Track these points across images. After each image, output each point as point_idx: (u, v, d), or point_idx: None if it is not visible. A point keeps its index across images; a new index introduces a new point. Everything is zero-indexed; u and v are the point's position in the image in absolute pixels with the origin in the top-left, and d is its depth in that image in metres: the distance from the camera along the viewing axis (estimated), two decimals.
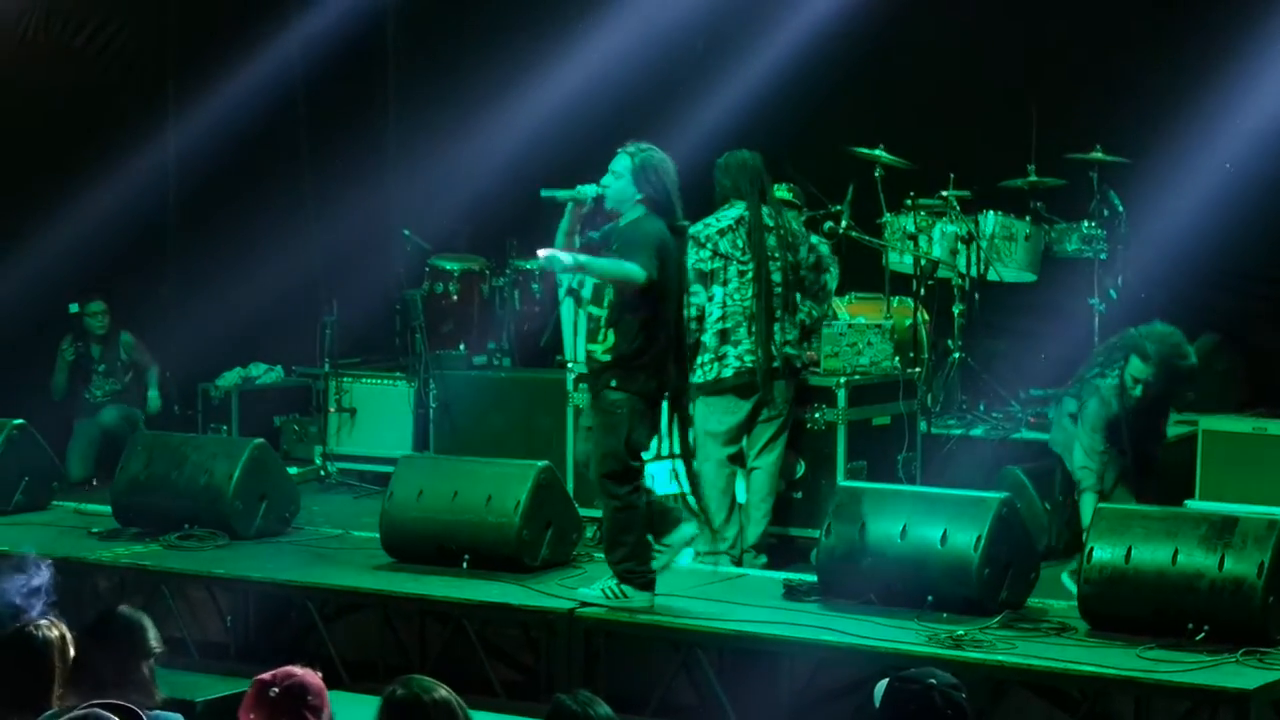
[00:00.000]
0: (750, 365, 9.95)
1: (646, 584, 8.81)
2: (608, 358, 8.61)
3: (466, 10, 14.53)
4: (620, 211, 8.73)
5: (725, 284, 9.99)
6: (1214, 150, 12.09)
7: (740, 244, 9.99)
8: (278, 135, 14.75)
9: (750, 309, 9.96)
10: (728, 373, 9.96)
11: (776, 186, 10.94)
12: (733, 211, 10.09)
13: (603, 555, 9.97)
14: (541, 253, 8.63)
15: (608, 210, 8.79)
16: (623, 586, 8.80)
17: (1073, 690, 7.84)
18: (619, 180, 8.69)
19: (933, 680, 5.41)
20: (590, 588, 8.94)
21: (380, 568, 9.77)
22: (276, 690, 5.39)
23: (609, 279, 8.52)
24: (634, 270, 8.43)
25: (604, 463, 8.70)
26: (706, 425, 10.02)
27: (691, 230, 9.82)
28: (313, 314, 13.42)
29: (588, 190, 8.71)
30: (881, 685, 5.58)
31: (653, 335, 8.59)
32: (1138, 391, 9.67)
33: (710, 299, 9.99)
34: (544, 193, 8.82)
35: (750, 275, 9.97)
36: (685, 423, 8.98)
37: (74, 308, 13.30)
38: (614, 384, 8.61)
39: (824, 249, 11.21)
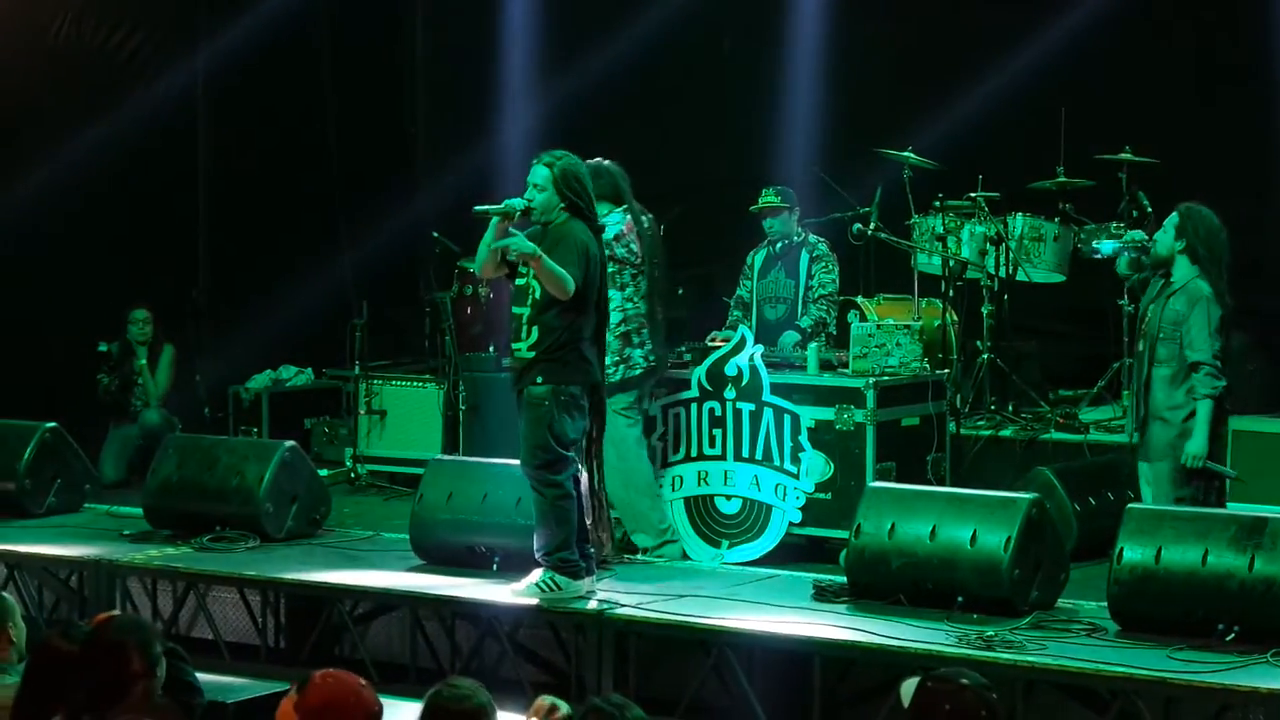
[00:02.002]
0: (652, 364, 10.20)
1: (580, 573, 8.95)
2: (532, 354, 8.87)
3: (490, 10, 14.54)
4: (547, 220, 8.96)
5: (623, 288, 10.15)
6: (1241, 149, 12.08)
7: (634, 248, 10.14)
8: (308, 139, 14.80)
9: (643, 310, 10.18)
10: (635, 372, 10.15)
11: (764, 191, 11.19)
12: (616, 217, 10.19)
13: (631, 556, 10.05)
14: (508, 242, 8.78)
15: (534, 221, 9.01)
16: (557, 578, 8.91)
17: (1103, 691, 7.84)
18: (542, 192, 8.94)
19: (965, 681, 5.41)
20: (523, 585, 9.01)
21: (411, 569, 9.79)
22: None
23: (548, 281, 8.72)
24: (568, 281, 8.70)
25: (534, 455, 8.87)
26: (623, 426, 10.14)
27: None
28: (342, 317, 13.44)
29: (515, 204, 8.96)
30: (909, 684, 5.59)
31: (576, 330, 8.83)
32: (1153, 241, 9.21)
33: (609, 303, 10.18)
34: (476, 210, 9.06)
35: (644, 277, 10.15)
36: (602, 421, 9.13)
37: (103, 347, 13.35)
38: (539, 379, 8.84)
39: (822, 248, 11.27)
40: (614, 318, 10.03)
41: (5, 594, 7.16)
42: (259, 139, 14.57)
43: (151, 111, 13.96)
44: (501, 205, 8.97)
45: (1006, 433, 11.34)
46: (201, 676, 6.74)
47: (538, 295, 8.85)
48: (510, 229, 8.98)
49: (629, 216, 10.16)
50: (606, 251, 9.98)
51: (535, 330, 8.86)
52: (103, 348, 13.35)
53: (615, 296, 10.05)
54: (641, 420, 10.28)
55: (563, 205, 8.93)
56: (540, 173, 8.96)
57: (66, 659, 6.17)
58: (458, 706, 5.49)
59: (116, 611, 6.59)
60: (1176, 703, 7.66)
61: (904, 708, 5.54)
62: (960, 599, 8.54)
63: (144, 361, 13.42)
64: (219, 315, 14.50)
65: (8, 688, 6.55)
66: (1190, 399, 8.96)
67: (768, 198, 11.28)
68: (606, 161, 10.30)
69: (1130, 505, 8.74)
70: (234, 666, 9.33)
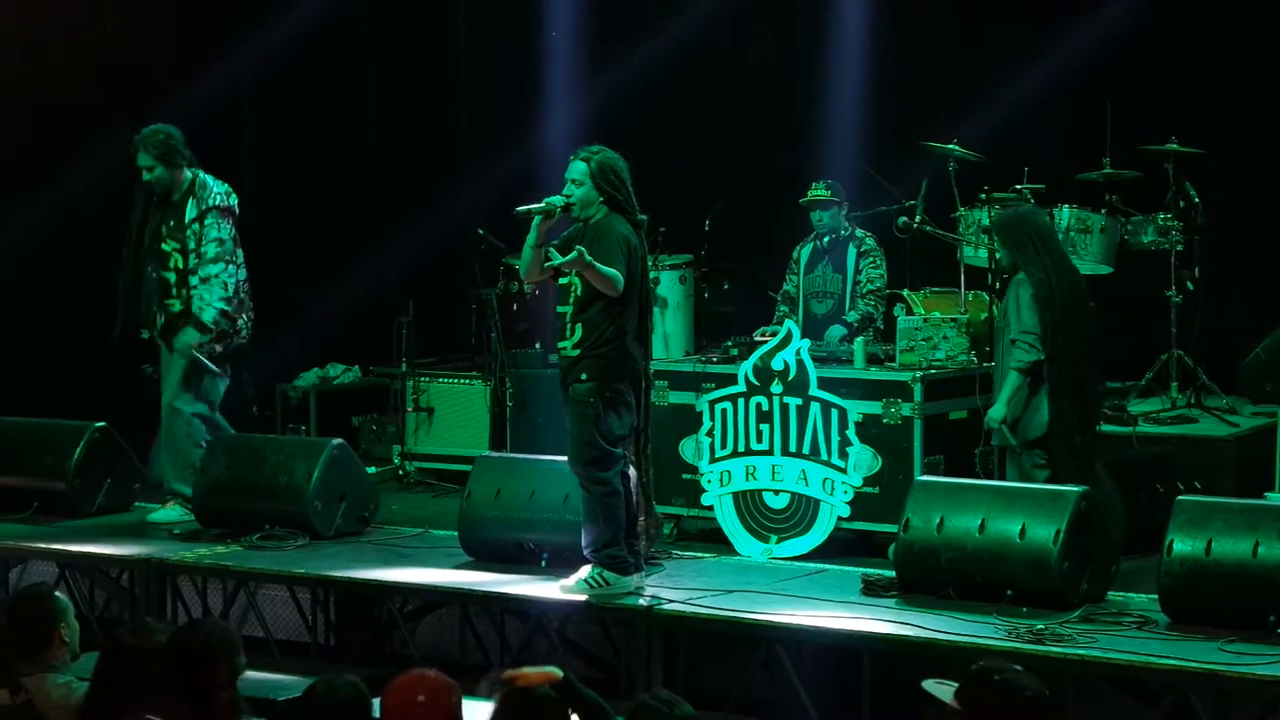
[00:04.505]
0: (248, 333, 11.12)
1: (629, 569, 8.98)
2: (576, 352, 8.91)
3: (534, 4, 14.53)
4: (586, 216, 8.99)
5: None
6: None
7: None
8: (351, 136, 14.83)
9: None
10: (242, 340, 11.03)
11: (814, 184, 11.30)
12: (210, 179, 11.01)
13: (679, 552, 10.06)
14: (557, 262, 8.91)
15: (573, 217, 9.05)
16: (606, 574, 8.93)
17: (1154, 684, 7.82)
18: (581, 187, 8.98)
19: (1012, 674, 5.40)
20: (572, 581, 9.02)
21: (460, 566, 9.82)
22: (423, 697, 5.49)
23: (599, 283, 8.77)
24: (617, 280, 8.75)
25: (582, 452, 8.90)
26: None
27: (226, 201, 10.92)
28: (389, 314, 13.47)
29: (555, 201, 9.01)
30: (933, 684, 5.58)
31: (620, 326, 8.86)
32: None
33: (240, 266, 10.97)
34: (517, 210, 9.12)
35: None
36: (649, 415, 9.22)
37: (145, 334, 13.39)
38: (584, 376, 8.87)
39: (870, 242, 11.29)
40: (240, 279, 10.92)
41: (59, 594, 7.20)
42: (302, 137, 14.59)
43: (194, 110, 13.97)
44: (542, 204, 8.99)
45: None
46: (252, 674, 6.77)
47: (579, 293, 8.89)
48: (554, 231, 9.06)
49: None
50: (218, 223, 10.86)
51: (579, 328, 8.89)
52: (145, 335, 13.38)
53: (240, 256, 10.93)
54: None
55: (601, 199, 8.96)
56: (578, 168, 8.99)
57: (138, 656, 6.22)
58: (532, 699, 5.55)
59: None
60: (1228, 695, 7.63)
61: (944, 705, 5.53)
62: (1010, 592, 8.53)
63: None
64: (265, 314, 14.51)
65: (61, 687, 6.61)
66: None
67: (817, 190, 11.34)
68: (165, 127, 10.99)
69: (1180, 497, 8.72)
70: (284, 665, 9.36)
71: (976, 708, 5.35)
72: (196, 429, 10.96)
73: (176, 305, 10.91)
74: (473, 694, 5.83)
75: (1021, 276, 9.56)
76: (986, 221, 11.59)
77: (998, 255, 9.99)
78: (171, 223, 10.92)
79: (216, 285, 10.83)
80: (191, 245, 10.85)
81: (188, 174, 10.94)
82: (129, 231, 11.10)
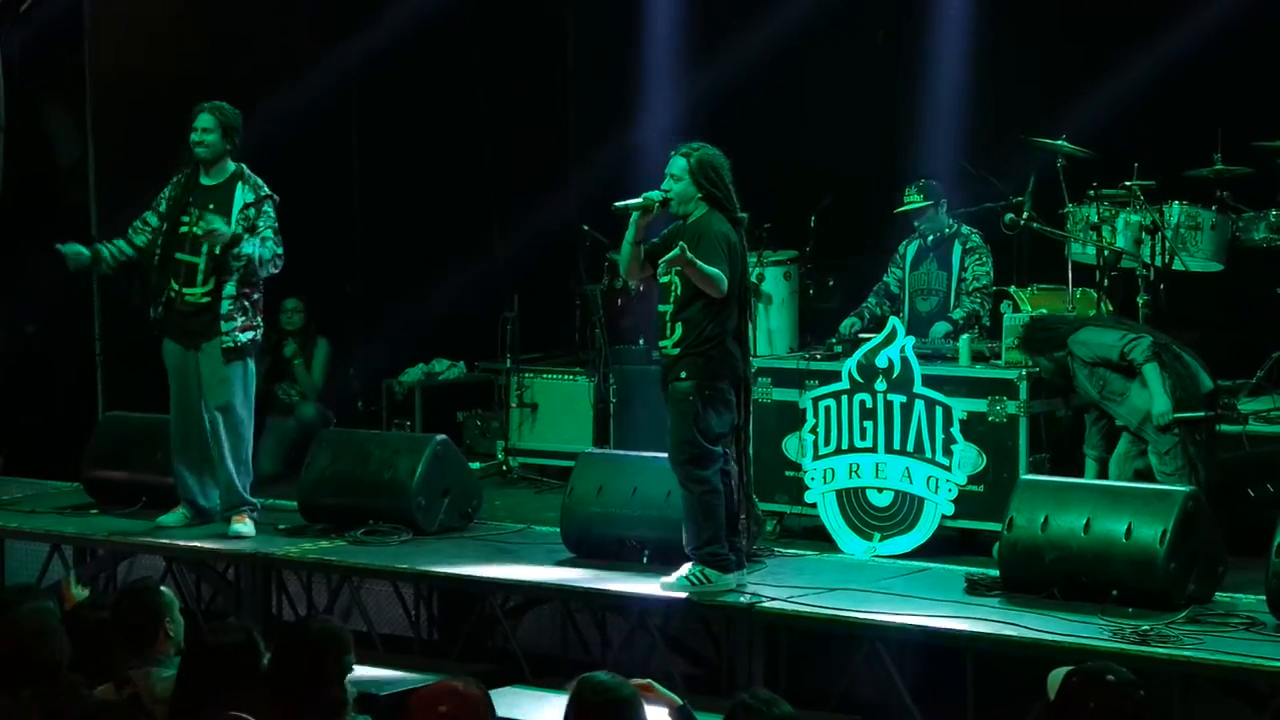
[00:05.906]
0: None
1: (730, 566, 8.96)
2: (676, 350, 8.89)
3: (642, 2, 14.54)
4: (685, 212, 8.97)
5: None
6: None
7: None
8: (459, 132, 14.88)
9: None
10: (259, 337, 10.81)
11: (907, 192, 11.25)
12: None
13: (782, 550, 10.04)
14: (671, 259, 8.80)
15: (672, 213, 9.03)
16: (707, 571, 8.92)
17: (1262, 686, 7.72)
18: (679, 183, 8.96)
19: (1111, 677, 5.37)
20: (673, 578, 9.01)
21: (562, 562, 9.83)
22: (445, 709, 5.49)
23: (702, 282, 8.73)
24: (721, 280, 8.72)
25: (681, 451, 8.89)
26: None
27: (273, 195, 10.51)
28: (494, 310, 13.51)
29: (653, 196, 8.98)
30: (1056, 675, 5.55)
31: (720, 324, 8.83)
32: None
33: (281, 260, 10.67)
34: (615, 207, 9.09)
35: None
36: (749, 414, 9.18)
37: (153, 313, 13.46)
38: (683, 375, 8.85)
39: (975, 239, 11.21)
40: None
41: (164, 588, 7.27)
42: (410, 133, 14.65)
43: (303, 106, 14.06)
44: (640, 200, 9.00)
45: None
46: (355, 669, 6.80)
47: (680, 292, 8.87)
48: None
49: None
50: (274, 213, 10.48)
51: (679, 327, 8.88)
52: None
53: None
54: None
55: (700, 195, 8.95)
56: (678, 163, 8.99)
57: (217, 654, 6.27)
58: (602, 698, 5.54)
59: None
60: None
61: (1049, 698, 5.51)
62: (1115, 593, 8.46)
63: (299, 360, 13.50)
64: (371, 309, 14.62)
65: (165, 681, 6.66)
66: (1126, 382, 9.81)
67: (911, 198, 11.26)
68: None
69: None
70: (387, 659, 9.40)
71: (1075, 701, 5.34)
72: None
73: (200, 294, 10.46)
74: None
75: (1071, 345, 9.88)
76: (1095, 218, 11.51)
77: (1040, 370, 10.02)
78: (212, 205, 10.44)
79: (269, 250, 10.40)
80: (241, 229, 10.38)
81: (230, 163, 10.58)
82: (166, 199, 10.67)
